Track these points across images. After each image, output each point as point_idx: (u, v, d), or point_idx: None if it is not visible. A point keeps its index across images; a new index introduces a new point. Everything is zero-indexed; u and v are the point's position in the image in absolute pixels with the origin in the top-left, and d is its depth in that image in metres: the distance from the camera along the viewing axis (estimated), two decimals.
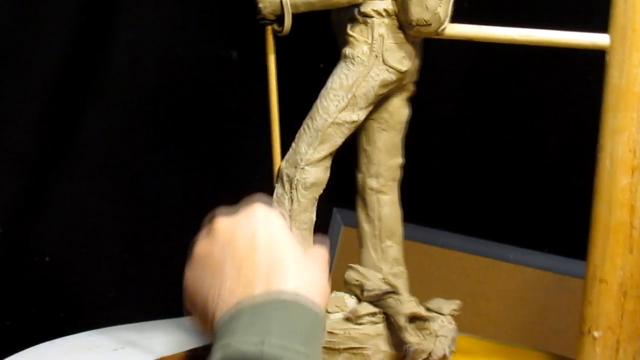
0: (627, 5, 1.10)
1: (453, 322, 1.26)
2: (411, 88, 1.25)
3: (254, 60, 2.01)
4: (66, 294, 1.86)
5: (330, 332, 1.19)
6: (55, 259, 1.84)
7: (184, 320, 1.56)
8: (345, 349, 1.18)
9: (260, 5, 1.22)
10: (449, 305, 1.27)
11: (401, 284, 1.25)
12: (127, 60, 1.86)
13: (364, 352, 1.18)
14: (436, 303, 1.27)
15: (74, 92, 1.81)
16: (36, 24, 1.74)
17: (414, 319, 1.17)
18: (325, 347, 1.18)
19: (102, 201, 1.88)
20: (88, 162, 1.85)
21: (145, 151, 1.91)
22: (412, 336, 1.16)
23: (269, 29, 1.25)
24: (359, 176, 1.26)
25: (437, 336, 1.18)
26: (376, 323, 1.19)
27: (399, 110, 1.25)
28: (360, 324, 1.19)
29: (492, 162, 1.98)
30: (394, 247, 1.26)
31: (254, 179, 2.07)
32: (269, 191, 1.44)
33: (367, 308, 1.20)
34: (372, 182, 1.25)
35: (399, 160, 1.27)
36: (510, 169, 1.95)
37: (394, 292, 1.18)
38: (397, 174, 1.28)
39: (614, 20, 1.12)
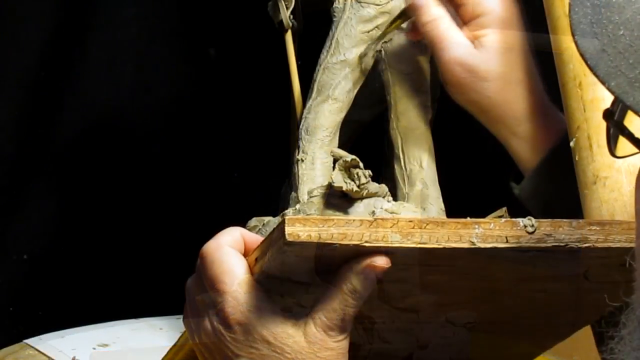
0: None
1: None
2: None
3: (249, 60, 2.01)
4: (44, 292, 1.86)
5: None
6: (33, 257, 1.84)
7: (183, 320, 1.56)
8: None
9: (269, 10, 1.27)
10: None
11: None
12: (104, 58, 1.86)
13: None
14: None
15: (51, 91, 1.81)
16: (13, 23, 1.74)
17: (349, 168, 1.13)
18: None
19: (79, 201, 1.88)
20: (65, 161, 1.85)
21: (128, 150, 1.91)
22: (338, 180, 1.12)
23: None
24: None
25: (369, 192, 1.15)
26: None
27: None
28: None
29: (491, 161, 1.99)
30: None
31: (254, 179, 2.08)
32: (269, 190, 1.45)
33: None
34: None
35: None
36: (510, 169, 1.97)
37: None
38: None
39: None
